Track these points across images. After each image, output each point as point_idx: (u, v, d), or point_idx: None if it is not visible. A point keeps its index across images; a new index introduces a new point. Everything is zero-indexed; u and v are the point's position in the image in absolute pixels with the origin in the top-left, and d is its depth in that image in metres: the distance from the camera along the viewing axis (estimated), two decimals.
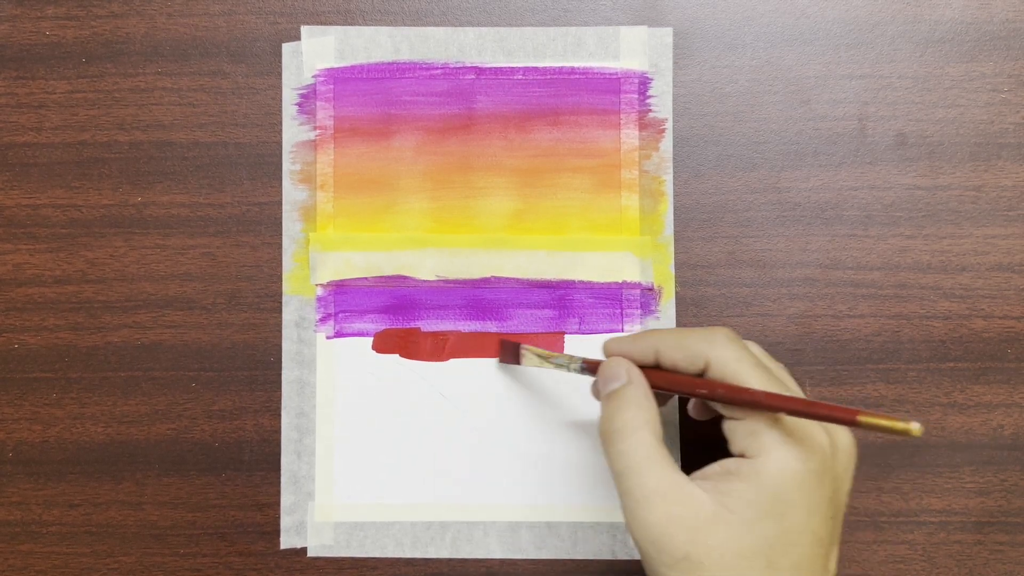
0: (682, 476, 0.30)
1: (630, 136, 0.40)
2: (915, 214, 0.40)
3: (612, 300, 0.40)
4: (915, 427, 0.25)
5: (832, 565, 0.30)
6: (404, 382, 0.40)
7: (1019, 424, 0.40)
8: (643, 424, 0.30)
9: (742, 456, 0.29)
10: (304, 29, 0.40)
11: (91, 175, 0.41)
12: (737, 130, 0.40)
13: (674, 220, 0.40)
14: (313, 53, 0.40)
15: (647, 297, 0.40)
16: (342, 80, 0.40)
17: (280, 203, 0.40)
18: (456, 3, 0.41)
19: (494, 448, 0.40)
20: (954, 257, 0.40)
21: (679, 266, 0.40)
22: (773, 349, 0.40)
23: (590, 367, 0.34)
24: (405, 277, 0.40)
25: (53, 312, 0.40)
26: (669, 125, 0.40)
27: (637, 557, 0.39)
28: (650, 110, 0.40)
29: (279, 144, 0.40)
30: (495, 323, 0.40)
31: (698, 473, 0.30)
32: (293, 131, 0.40)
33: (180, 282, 0.40)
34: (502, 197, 0.40)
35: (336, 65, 0.40)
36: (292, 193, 0.40)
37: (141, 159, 0.41)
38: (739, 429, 0.30)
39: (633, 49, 0.40)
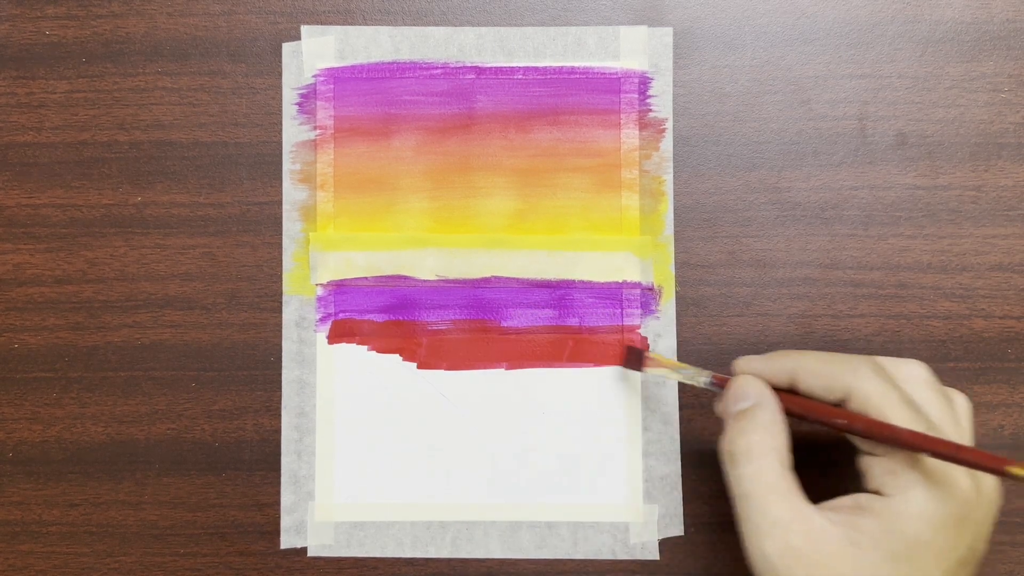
0: (809, 506, 0.28)
1: (630, 136, 0.40)
2: (915, 214, 0.40)
3: (612, 300, 0.40)
4: None
5: None
6: (404, 382, 0.40)
7: (1019, 424, 0.40)
8: (770, 450, 0.29)
9: (877, 493, 0.28)
10: (304, 29, 0.40)
11: (91, 175, 0.41)
12: (737, 130, 0.40)
13: (674, 220, 0.40)
14: (313, 53, 0.40)
15: (647, 297, 0.40)
16: (342, 80, 0.40)
17: (280, 203, 0.40)
18: (456, 3, 0.41)
19: (494, 447, 0.40)
20: (954, 257, 0.40)
21: (679, 266, 0.40)
22: (773, 349, 0.40)
23: (719, 382, 0.34)
24: (405, 277, 0.40)
25: (53, 312, 0.40)
26: (669, 125, 0.40)
27: (638, 557, 0.39)
28: (650, 110, 0.40)
29: (279, 144, 0.41)
30: (495, 323, 0.40)
31: (828, 503, 0.29)
32: (293, 131, 0.40)
33: (180, 282, 0.40)
34: (502, 197, 0.40)
35: (336, 65, 0.40)
36: (292, 193, 0.40)
37: (141, 159, 0.41)
38: (877, 466, 0.29)
39: (633, 49, 0.40)
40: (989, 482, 0.29)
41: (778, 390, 0.31)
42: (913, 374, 0.31)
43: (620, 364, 0.39)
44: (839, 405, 0.30)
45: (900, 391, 0.29)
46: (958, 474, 0.28)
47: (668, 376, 0.37)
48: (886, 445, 0.28)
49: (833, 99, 0.40)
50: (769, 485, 0.29)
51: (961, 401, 0.32)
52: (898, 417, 0.28)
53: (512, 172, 0.40)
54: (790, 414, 0.31)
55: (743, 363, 0.33)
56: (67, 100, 0.41)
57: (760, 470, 0.29)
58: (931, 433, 0.28)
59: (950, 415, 0.31)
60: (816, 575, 0.27)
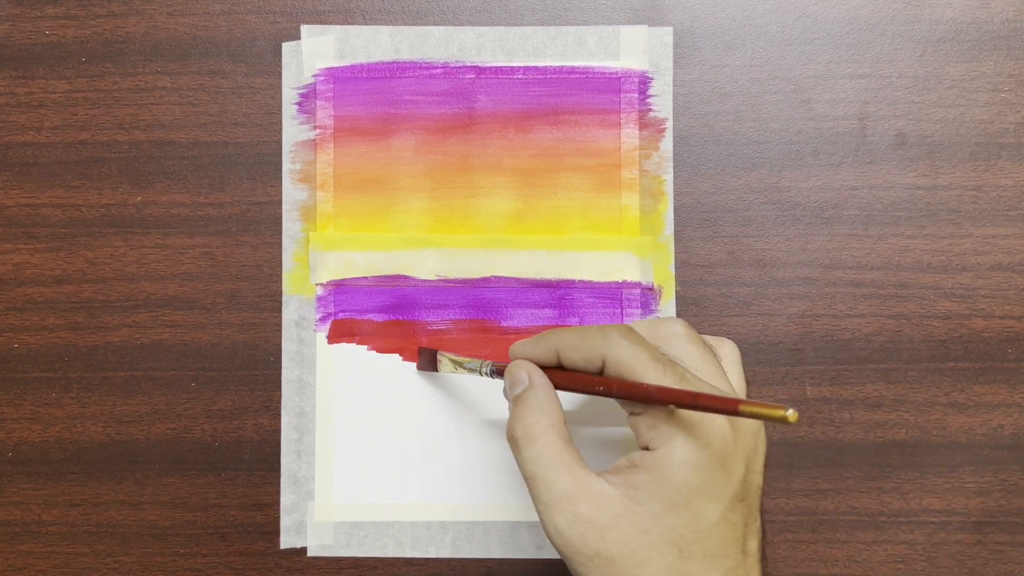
0: (589, 474, 0.30)
1: (630, 136, 0.40)
2: (915, 214, 0.40)
3: (612, 300, 0.40)
4: (789, 414, 0.25)
5: (751, 547, 0.30)
6: (404, 381, 0.40)
7: (1019, 424, 0.40)
8: (547, 428, 0.30)
9: (646, 449, 0.30)
10: (304, 28, 0.40)
11: (91, 175, 0.41)
12: (737, 130, 0.40)
13: (674, 220, 0.40)
14: (313, 52, 0.40)
15: (647, 297, 0.40)
16: (342, 80, 0.40)
17: (280, 203, 0.40)
18: (456, 3, 0.41)
19: (495, 448, 0.40)
20: (954, 257, 0.40)
21: (679, 266, 0.40)
22: (773, 349, 0.40)
23: (500, 371, 0.34)
24: (405, 277, 0.40)
25: (53, 312, 0.40)
26: (669, 125, 0.40)
27: None
28: (650, 109, 0.40)
29: (279, 144, 0.40)
30: (495, 323, 0.40)
31: (609, 468, 0.30)
32: (293, 131, 0.40)
33: (180, 282, 0.40)
34: (502, 197, 0.40)
35: (336, 64, 0.40)
36: (292, 193, 0.40)
37: (141, 159, 0.41)
38: (641, 423, 0.30)
39: (633, 48, 0.40)
40: (745, 420, 0.30)
41: (549, 368, 0.32)
42: (670, 331, 0.32)
43: (416, 366, 0.40)
44: (601, 373, 0.31)
45: (650, 349, 0.30)
46: (712, 417, 0.29)
47: (457, 371, 0.37)
48: (641, 403, 0.30)
49: (833, 99, 0.40)
50: (551, 462, 0.30)
51: (727, 350, 0.33)
52: (648, 374, 0.29)
53: (512, 172, 0.40)
54: (561, 389, 0.32)
55: (515, 348, 0.33)
56: (67, 100, 0.41)
57: (541, 450, 0.30)
58: (683, 386, 0.29)
59: (711, 364, 0.31)
60: (607, 537, 0.29)
